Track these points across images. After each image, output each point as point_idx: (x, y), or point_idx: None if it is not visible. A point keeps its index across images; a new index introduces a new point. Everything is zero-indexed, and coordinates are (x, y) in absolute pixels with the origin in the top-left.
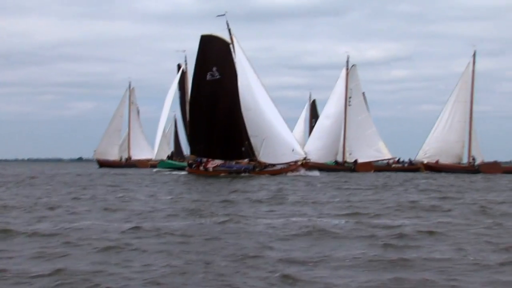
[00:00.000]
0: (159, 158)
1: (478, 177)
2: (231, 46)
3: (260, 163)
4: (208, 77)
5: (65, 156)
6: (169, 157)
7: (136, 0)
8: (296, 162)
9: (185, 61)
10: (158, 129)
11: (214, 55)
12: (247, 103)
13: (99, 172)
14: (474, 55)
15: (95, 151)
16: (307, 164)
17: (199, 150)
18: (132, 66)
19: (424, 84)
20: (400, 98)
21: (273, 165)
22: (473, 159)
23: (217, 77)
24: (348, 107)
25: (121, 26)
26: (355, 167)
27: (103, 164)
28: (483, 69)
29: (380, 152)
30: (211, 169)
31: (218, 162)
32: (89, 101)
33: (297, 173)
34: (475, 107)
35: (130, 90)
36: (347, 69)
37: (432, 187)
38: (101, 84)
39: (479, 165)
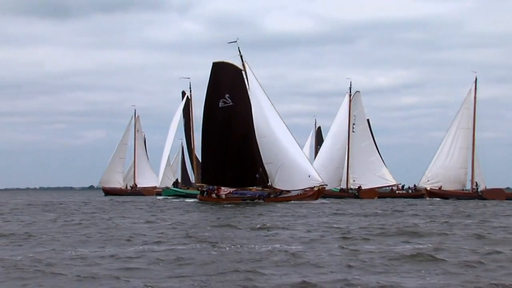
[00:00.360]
0: (164, 185)
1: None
2: (243, 72)
3: (274, 189)
4: (221, 104)
5: (76, 184)
6: (174, 185)
7: (146, 29)
8: (312, 188)
9: (190, 88)
10: (163, 156)
11: (227, 82)
12: (262, 130)
13: (105, 199)
14: (475, 81)
15: (100, 179)
16: (323, 190)
17: (210, 178)
18: (141, 95)
19: (434, 111)
20: (410, 125)
21: (288, 191)
22: (476, 185)
23: (230, 104)
24: (351, 133)
25: (131, 55)
26: (359, 194)
27: (109, 192)
28: (492, 95)
29: (384, 178)
30: (223, 196)
31: (229, 189)
32: (100, 129)
33: (314, 201)
34: (482, 134)
35: (136, 118)
36: (350, 95)
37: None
38: (111, 113)
39: (482, 191)
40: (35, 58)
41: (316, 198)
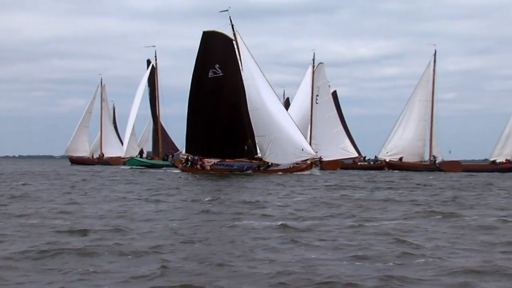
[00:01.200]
0: (129, 155)
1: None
2: (234, 42)
3: (264, 162)
4: (210, 74)
5: (56, 153)
6: (139, 155)
7: None
8: (305, 161)
9: (155, 56)
10: (127, 126)
11: (217, 52)
12: (254, 103)
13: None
14: (434, 54)
15: (66, 148)
16: (315, 163)
17: (195, 148)
18: (122, 63)
19: (415, 82)
20: (391, 96)
21: (277, 164)
22: (434, 157)
23: (220, 74)
24: (314, 105)
25: (111, 23)
26: (321, 165)
27: (75, 161)
28: (475, 67)
29: (346, 150)
30: (208, 168)
31: (213, 160)
32: (79, 97)
33: (307, 172)
34: (464, 105)
35: (102, 86)
36: (313, 67)
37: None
38: (91, 81)
39: (440, 163)
40: (12, 24)
41: (308, 171)
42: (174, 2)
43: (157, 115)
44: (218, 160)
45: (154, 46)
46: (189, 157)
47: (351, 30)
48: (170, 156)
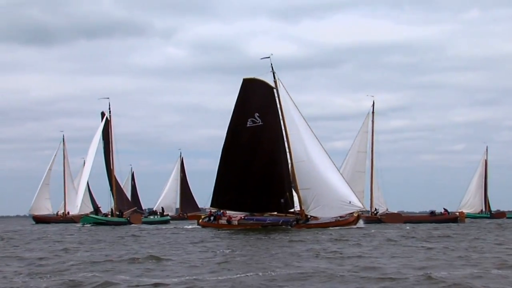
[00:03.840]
0: (83, 212)
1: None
2: (275, 90)
3: (302, 215)
4: (249, 123)
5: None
6: (94, 212)
7: (130, 55)
8: (352, 214)
9: (109, 108)
10: (81, 183)
11: (257, 100)
12: (299, 154)
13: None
14: (373, 105)
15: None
16: (360, 216)
17: (224, 201)
18: (127, 120)
19: (422, 134)
20: (399, 148)
21: (315, 218)
22: (376, 209)
23: (259, 123)
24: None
25: (116, 81)
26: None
27: (40, 220)
28: (480, 118)
29: None
30: (235, 222)
31: (239, 215)
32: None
33: (354, 226)
34: (469, 156)
35: (64, 143)
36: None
37: None
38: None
39: (382, 215)
40: (21, 85)
41: (355, 224)
42: (176, 58)
43: (111, 169)
44: (246, 214)
45: (108, 98)
46: (212, 212)
47: (354, 84)
48: (130, 211)
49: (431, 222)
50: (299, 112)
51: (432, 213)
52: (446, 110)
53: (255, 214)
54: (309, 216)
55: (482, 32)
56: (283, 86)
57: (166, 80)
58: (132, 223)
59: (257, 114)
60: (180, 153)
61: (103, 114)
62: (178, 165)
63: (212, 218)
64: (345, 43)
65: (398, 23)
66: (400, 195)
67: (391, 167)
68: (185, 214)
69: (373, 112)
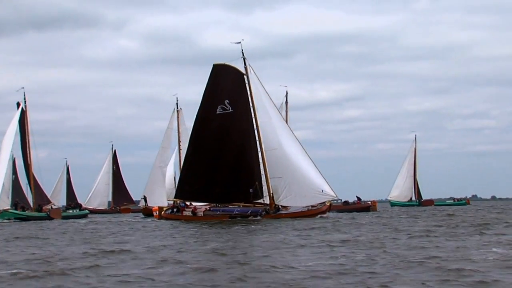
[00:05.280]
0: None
1: None
2: (245, 77)
3: (271, 205)
4: (219, 110)
5: None
6: (14, 207)
7: (82, 47)
8: (324, 203)
9: (24, 98)
10: None
11: (227, 87)
12: (270, 142)
13: None
14: (286, 95)
15: None
16: (330, 206)
17: (190, 192)
18: (82, 113)
19: (376, 123)
20: (355, 138)
21: (285, 208)
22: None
23: (229, 110)
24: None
25: (68, 73)
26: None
27: None
28: (433, 107)
29: None
30: (201, 214)
31: (204, 206)
32: (41, 149)
33: (324, 216)
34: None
35: None
36: (177, 111)
37: None
38: (52, 132)
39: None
40: None
41: (324, 214)
42: (129, 49)
43: (28, 163)
44: (211, 205)
45: (23, 88)
46: (177, 203)
47: (308, 74)
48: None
49: (343, 211)
50: (271, 99)
51: (346, 202)
52: (400, 99)
53: (219, 205)
54: (279, 206)
55: (432, 22)
56: (254, 73)
57: (119, 72)
58: (53, 218)
59: (227, 101)
60: (112, 145)
61: (18, 104)
62: (110, 158)
63: (175, 210)
64: (299, 34)
65: (350, 13)
66: (358, 184)
67: (347, 156)
68: (117, 208)
69: (286, 103)
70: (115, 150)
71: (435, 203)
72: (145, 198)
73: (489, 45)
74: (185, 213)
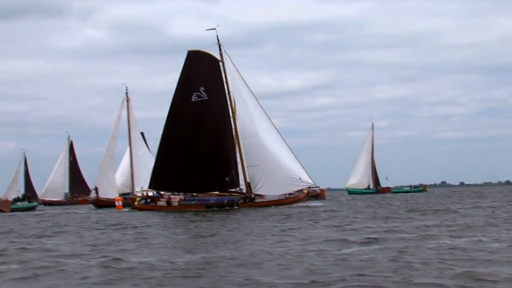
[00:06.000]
0: None
1: None
2: (220, 64)
3: (248, 193)
4: (194, 97)
5: None
6: None
7: (49, 37)
8: (301, 191)
9: None
10: None
11: (202, 73)
12: (247, 130)
13: None
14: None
15: None
16: (308, 194)
17: (163, 182)
18: (50, 104)
19: (346, 112)
20: (325, 126)
21: (261, 196)
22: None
23: (205, 98)
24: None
25: (35, 63)
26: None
27: None
28: (402, 94)
29: None
30: (176, 204)
31: (177, 196)
32: (9, 140)
33: (304, 204)
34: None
35: None
36: (127, 100)
37: None
38: (20, 123)
39: None
40: None
41: (303, 202)
42: (97, 39)
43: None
44: (187, 195)
45: None
46: (150, 193)
47: (277, 62)
48: None
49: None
50: (247, 86)
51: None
52: (369, 87)
53: (194, 194)
54: (253, 195)
55: (399, 9)
56: (230, 60)
57: (87, 62)
58: (1, 210)
59: (202, 88)
60: (69, 136)
61: None
62: (66, 149)
63: (149, 200)
64: (267, 22)
65: (318, 1)
66: (327, 172)
67: (317, 144)
68: (74, 199)
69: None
70: (71, 141)
71: (392, 190)
72: (96, 189)
73: (457, 33)
74: (159, 203)
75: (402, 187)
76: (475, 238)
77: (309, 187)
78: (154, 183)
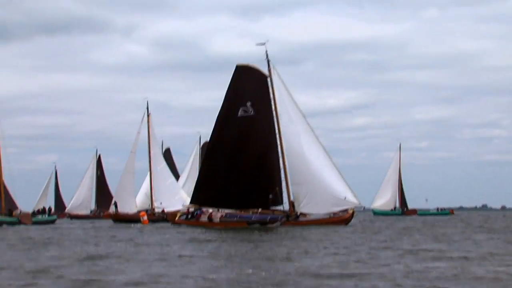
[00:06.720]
0: None
1: None
2: (268, 79)
3: (291, 212)
4: (240, 113)
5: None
6: None
7: (91, 52)
8: (346, 210)
9: None
10: None
11: (250, 89)
12: (293, 148)
13: None
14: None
15: None
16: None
17: (206, 198)
18: (92, 118)
19: (386, 132)
20: (364, 146)
21: (304, 214)
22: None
23: (251, 113)
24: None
25: (78, 78)
26: (166, 217)
27: None
28: (443, 116)
29: (182, 201)
30: (217, 220)
31: (219, 212)
32: (52, 153)
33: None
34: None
35: None
36: (148, 115)
37: None
38: (62, 137)
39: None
40: None
41: (348, 222)
42: (137, 55)
43: None
44: (228, 211)
45: None
46: (191, 209)
47: (318, 81)
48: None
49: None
50: (295, 103)
51: None
52: (409, 108)
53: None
54: (298, 213)
55: (441, 31)
56: (278, 75)
57: (128, 77)
58: (23, 223)
59: (249, 103)
60: (96, 150)
61: None
62: (94, 163)
63: (189, 216)
64: (307, 41)
65: (359, 20)
66: (364, 192)
67: (355, 164)
68: (100, 213)
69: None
70: (99, 155)
71: (418, 213)
72: (115, 204)
73: (498, 55)
74: (201, 219)
75: (429, 210)
76: None
77: (355, 208)
78: (195, 199)
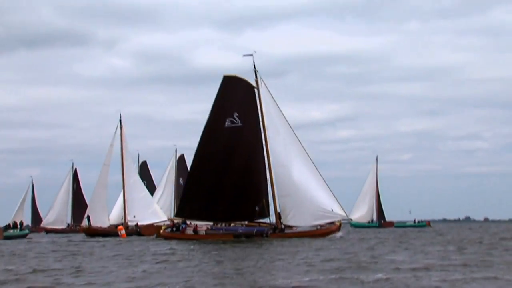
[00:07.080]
0: None
1: None
2: (256, 90)
3: (278, 224)
4: (227, 123)
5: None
6: None
7: (74, 65)
8: (333, 223)
9: None
10: None
11: (237, 99)
12: (279, 159)
13: None
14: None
15: None
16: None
17: (192, 210)
18: (74, 131)
19: (371, 144)
20: (347, 158)
21: (290, 227)
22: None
23: (238, 124)
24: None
25: (60, 91)
26: (140, 230)
27: None
28: (425, 128)
29: (156, 215)
30: (203, 233)
31: (205, 224)
32: (34, 167)
33: (333, 236)
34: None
35: None
36: (121, 127)
37: None
38: (44, 150)
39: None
40: None
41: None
42: (120, 68)
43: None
44: (213, 224)
45: None
46: (176, 222)
47: (301, 94)
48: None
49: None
50: (282, 114)
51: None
52: (392, 120)
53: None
54: (283, 226)
55: (423, 43)
56: (266, 86)
57: (111, 90)
58: None
59: (236, 114)
60: (73, 163)
61: None
62: (70, 177)
63: (174, 229)
64: (290, 54)
65: (341, 33)
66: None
67: (339, 176)
68: (76, 227)
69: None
70: (75, 169)
71: (395, 225)
72: (88, 218)
73: (480, 67)
74: (187, 231)
75: (405, 222)
76: None
77: (342, 220)
78: (181, 212)
